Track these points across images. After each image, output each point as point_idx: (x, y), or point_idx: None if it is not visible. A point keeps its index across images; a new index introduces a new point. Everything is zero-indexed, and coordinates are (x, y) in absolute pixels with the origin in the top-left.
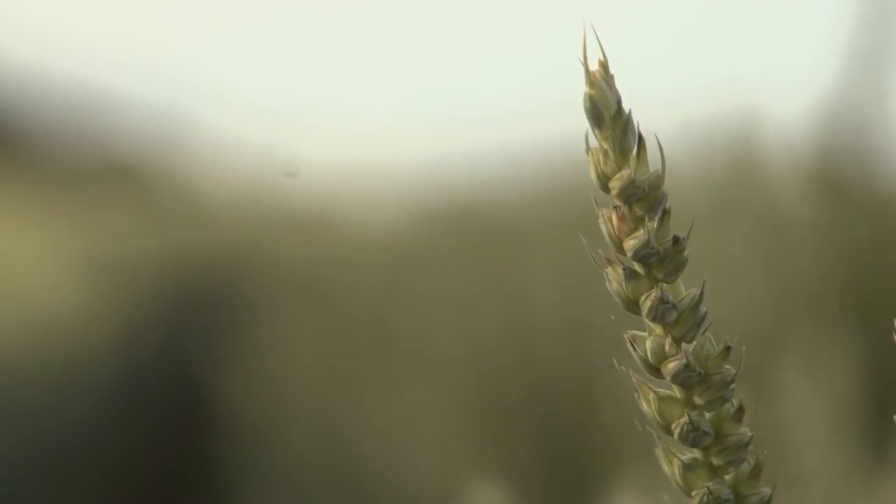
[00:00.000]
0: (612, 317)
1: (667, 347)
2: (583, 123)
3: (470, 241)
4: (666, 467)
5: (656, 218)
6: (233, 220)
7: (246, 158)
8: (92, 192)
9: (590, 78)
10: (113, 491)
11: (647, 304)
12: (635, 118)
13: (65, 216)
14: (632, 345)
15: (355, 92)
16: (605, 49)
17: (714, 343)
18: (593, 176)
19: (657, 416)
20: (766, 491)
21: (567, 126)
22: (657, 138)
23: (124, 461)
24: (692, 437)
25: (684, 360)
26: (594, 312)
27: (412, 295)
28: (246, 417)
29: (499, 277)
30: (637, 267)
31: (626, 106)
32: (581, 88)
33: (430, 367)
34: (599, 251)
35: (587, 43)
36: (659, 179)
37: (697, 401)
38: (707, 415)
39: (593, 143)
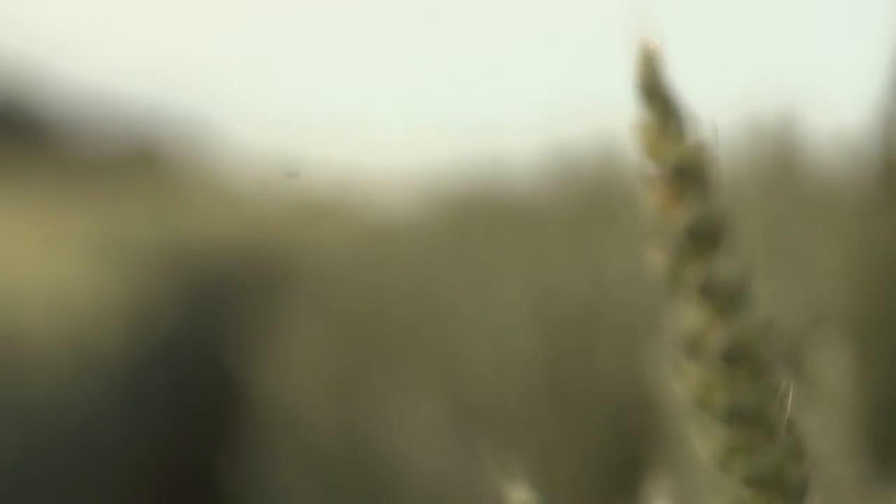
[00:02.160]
0: (655, 291)
1: (708, 323)
2: (594, 123)
3: (494, 230)
4: (701, 450)
5: (703, 189)
6: (256, 206)
7: (268, 150)
8: (115, 179)
9: (639, 47)
10: (136, 479)
11: (691, 277)
12: (684, 92)
13: (88, 203)
14: (672, 320)
15: (375, 93)
16: (655, 24)
17: (758, 320)
18: (641, 145)
19: (695, 396)
20: (805, 475)
21: (586, 121)
22: (707, 114)
23: (146, 447)
24: (731, 417)
25: (727, 337)
26: (614, 300)
27: (438, 283)
28: (269, 402)
29: (521, 266)
30: (682, 239)
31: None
32: (595, 91)
33: (454, 359)
34: (645, 223)
35: (632, 15)
36: (707, 149)
37: (738, 380)
38: (748, 394)
39: (641, 113)
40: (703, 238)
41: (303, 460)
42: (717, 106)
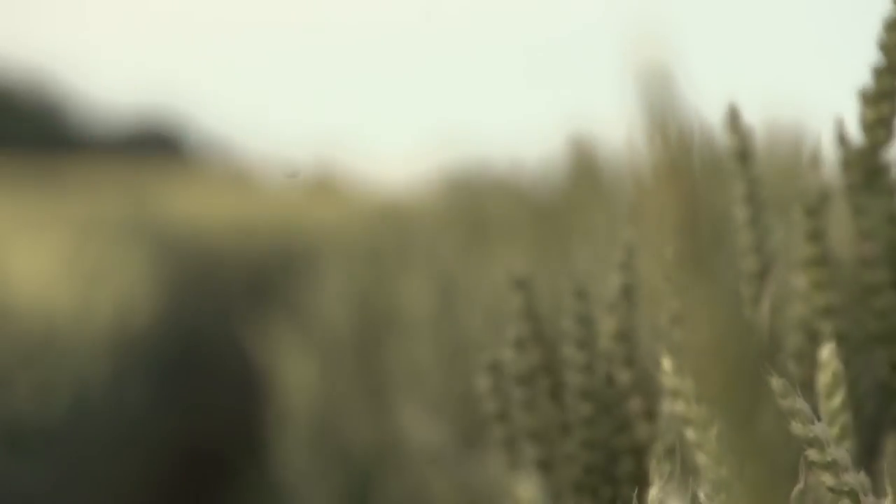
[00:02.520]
0: (652, 291)
1: (703, 318)
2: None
3: (497, 214)
4: (696, 442)
5: (703, 191)
6: (270, 193)
7: (279, 152)
8: (138, 164)
9: (643, 52)
10: (157, 458)
11: (688, 273)
12: (685, 95)
13: (112, 187)
14: (673, 320)
15: (383, 95)
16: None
17: (754, 317)
18: (643, 147)
19: (689, 389)
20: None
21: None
22: (703, 114)
23: (169, 427)
24: (727, 411)
25: (722, 332)
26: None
27: (443, 264)
28: (284, 385)
29: (523, 253)
30: (684, 242)
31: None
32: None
33: (457, 350)
34: (648, 227)
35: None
36: (709, 152)
37: (733, 374)
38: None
39: (641, 119)
40: (701, 236)
41: (314, 443)
42: (717, 107)
